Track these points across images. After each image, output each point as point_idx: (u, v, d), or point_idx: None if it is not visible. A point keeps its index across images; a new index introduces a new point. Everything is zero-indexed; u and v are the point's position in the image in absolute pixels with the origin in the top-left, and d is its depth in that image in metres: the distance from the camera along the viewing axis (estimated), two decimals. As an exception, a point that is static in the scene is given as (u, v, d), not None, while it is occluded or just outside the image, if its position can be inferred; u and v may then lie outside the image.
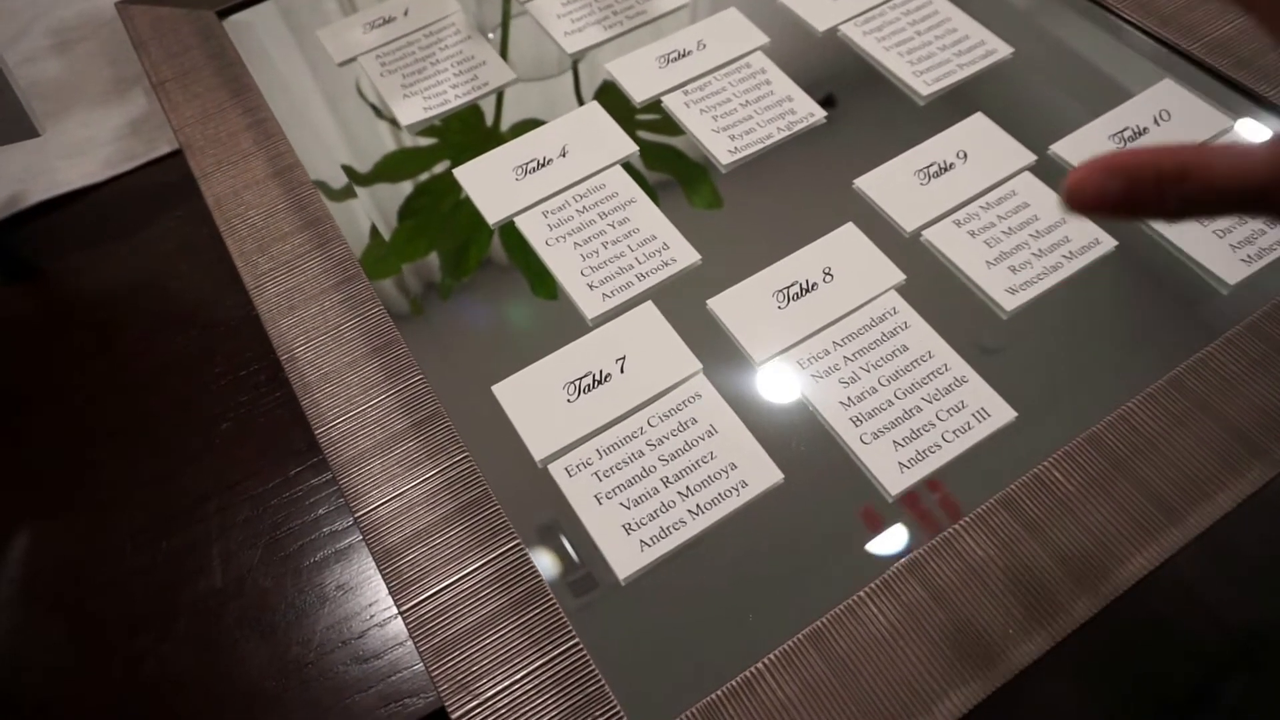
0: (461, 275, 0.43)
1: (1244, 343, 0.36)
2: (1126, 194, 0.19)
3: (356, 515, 0.35)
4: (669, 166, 0.45)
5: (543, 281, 0.41)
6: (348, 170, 0.47)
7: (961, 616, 0.31)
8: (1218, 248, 0.39)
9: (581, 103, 0.49)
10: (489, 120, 0.49)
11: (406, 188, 0.47)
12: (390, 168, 0.47)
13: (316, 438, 0.38)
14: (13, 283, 0.46)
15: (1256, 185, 0.18)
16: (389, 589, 0.34)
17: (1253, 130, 0.43)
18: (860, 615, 0.32)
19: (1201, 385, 0.36)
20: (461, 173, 0.45)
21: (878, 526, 0.34)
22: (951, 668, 0.30)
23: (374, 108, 0.50)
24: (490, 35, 0.52)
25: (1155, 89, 0.45)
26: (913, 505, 0.34)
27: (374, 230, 0.45)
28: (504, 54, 0.51)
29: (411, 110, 0.48)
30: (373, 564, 0.36)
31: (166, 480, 0.38)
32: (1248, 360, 0.36)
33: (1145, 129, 0.43)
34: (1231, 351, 0.36)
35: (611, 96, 0.48)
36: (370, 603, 0.37)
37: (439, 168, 0.47)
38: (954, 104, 0.46)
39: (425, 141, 0.48)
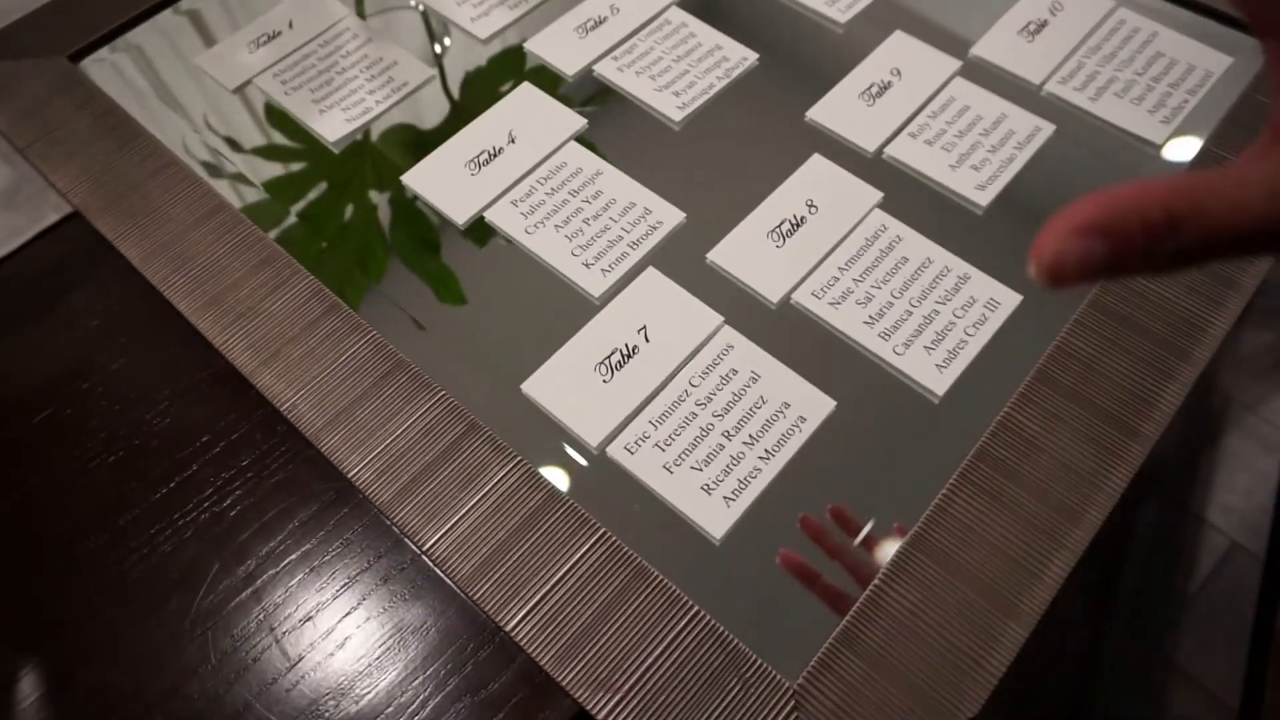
0: (375, 279, 0.41)
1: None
2: (1111, 258, 0.15)
3: (424, 549, 0.33)
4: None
5: (447, 286, 0.40)
6: (270, 192, 0.43)
7: (1038, 488, 0.34)
8: (1138, 114, 0.43)
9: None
10: (408, 125, 0.46)
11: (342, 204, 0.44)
12: (292, 189, 0.44)
13: (350, 481, 0.35)
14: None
15: (1254, 221, 0.15)
16: (487, 613, 0.32)
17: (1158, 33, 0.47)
18: (951, 508, 0.33)
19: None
20: (411, 178, 0.43)
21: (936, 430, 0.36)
22: (1043, 535, 0.32)
23: (292, 128, 0.46)
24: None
25: (1041, -18, 0.48)
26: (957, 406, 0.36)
27: (332, 254, 0.42)
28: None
29: (334, 125, 0.45)
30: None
31: (190, 573, 0.35)
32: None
33: (1046, 21, 0.47)
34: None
35: (540, 74, 0.47)
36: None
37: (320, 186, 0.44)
38: (868, 26, 0.48)
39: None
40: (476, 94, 0.47)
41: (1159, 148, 0.42)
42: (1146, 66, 0.45)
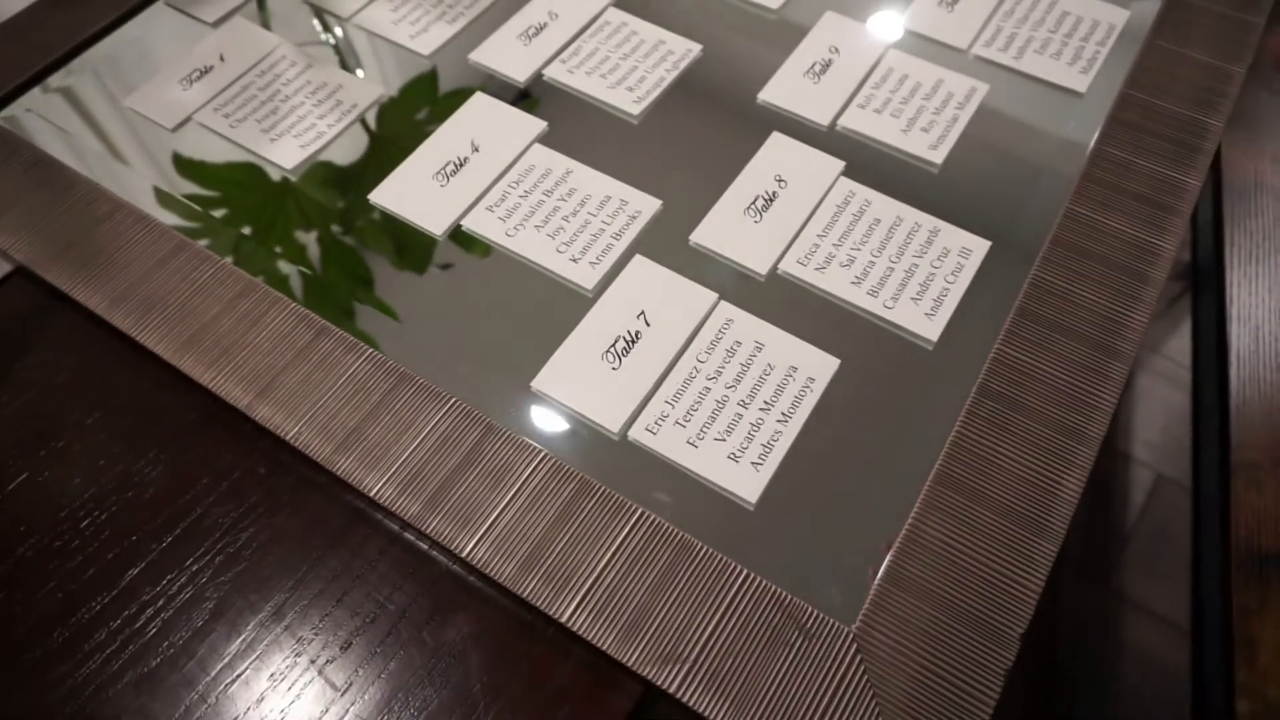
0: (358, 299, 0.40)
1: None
2: None
3: (463, 555, 0.33)
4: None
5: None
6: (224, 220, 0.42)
7: (1040, 414, 0.36)
8: (1058, 67, 0.47)
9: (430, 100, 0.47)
10: (363, 140, 0.46)
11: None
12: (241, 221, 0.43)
13: (373, 500, 0.34)
14: None
15: None
16: (539, 608, 0.32)
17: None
18: (965, 443, 0.35)
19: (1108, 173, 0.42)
20: (379, 195, 0.42)
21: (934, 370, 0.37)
22: (1052, 456, 0.34)
23: (239, 162, 0.45)
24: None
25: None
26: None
27: (307, 276, 0.41)
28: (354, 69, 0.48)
29: (288, 153, 0.44)
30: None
31: (218, 616, 0.33)
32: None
33: (961, -9, 0.50)
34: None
35: (490, 82, 0.47)
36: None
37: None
38: (800, 9, 0.50)
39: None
40: (396, 122, 0.46)
41: (1082, 95, 0.46)
42: (1057, 25, 0.48)
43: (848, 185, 0.42)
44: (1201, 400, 0.97)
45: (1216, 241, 0.84)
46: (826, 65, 0.47)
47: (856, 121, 0.45)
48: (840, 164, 0.43)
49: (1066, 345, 0.37)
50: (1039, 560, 0.32)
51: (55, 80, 0.48)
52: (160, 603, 0.33)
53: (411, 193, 0.42)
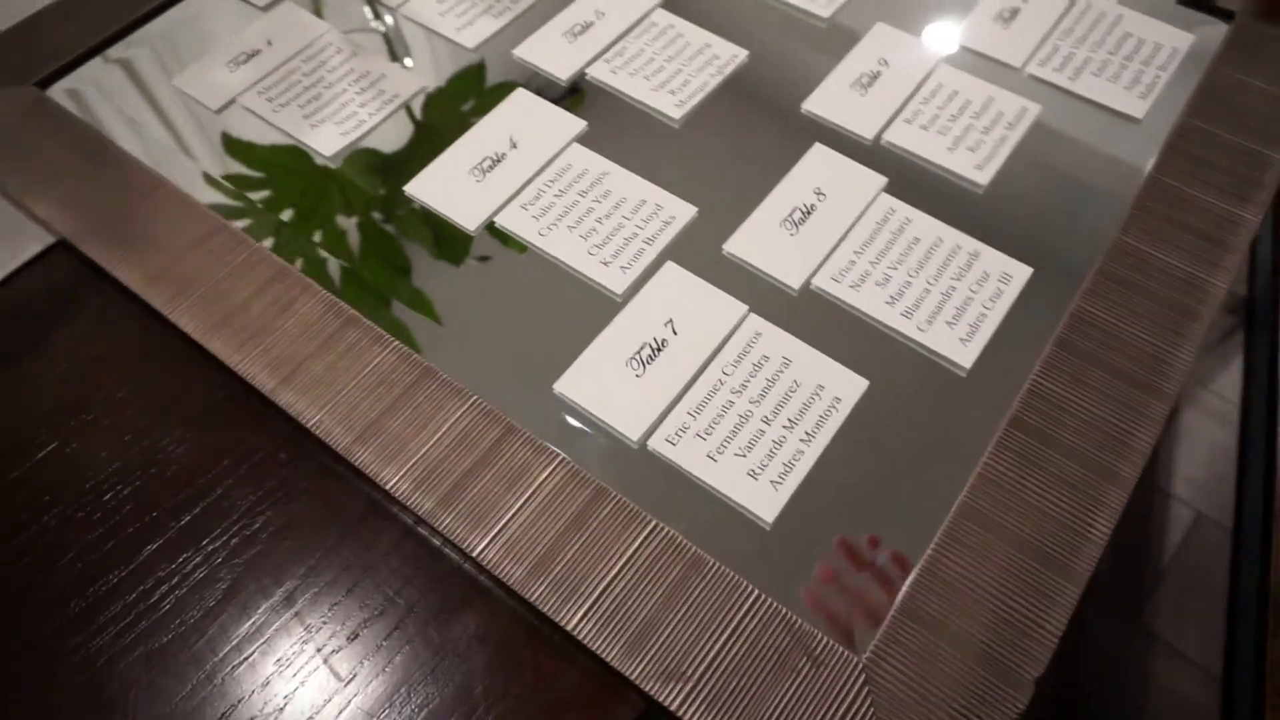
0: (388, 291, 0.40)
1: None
2: None
3: (474, 555, 0.33)
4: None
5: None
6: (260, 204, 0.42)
7: (1072, 450, 0.34)
8: (1116, 90, 0.45)
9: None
10: (407, 130, 0.46)
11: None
12: (280, 205, 0.43)
13: (388, 493, 0.34)
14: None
15: None
16: (546, 614, 0.31)
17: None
18: (992, 475, 0.34)
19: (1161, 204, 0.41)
20: (414, 187, 0.42)
21: (966, 402, 0.36)
22: (1083, 495, 0.33)
23: (285, 145, 0.45)
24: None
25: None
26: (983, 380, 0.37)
27: (340, 267, 0.41)
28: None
29: (328, 140, 0.44)
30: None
31: (231, 596, 0.33)
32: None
33: (1018, 9, 0.49)
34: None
35: (533, 78, 0.47)
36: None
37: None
38: (851, 18, 0.49)
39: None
40: (440, 113, 0.46)
41: (1139, 121, 0.44)
42: (1117, 46, 0.47)
43: (888, 202, 0.41)
44: (1248, 439, 0.93)
45: (1274, 277, 0.81)
46: (874, 77, 0.46)
47: (901, 136, 0.44)
48: (882, 179, 0.42)
49: (1106, 380, 0.36)
50: (1062, 603, 0.31)
51: (113, 53, 0.49)
52: (175, 580, 0.34)
53: (447, 186, 0.42)
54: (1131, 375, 0.36)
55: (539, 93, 0.46)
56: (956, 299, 0.38)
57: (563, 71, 0.47)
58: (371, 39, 0.50)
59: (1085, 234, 0.40)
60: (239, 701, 0.31)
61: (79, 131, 0.45)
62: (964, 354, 0.37)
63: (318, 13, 0.50)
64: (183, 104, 0.47)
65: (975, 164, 0.42)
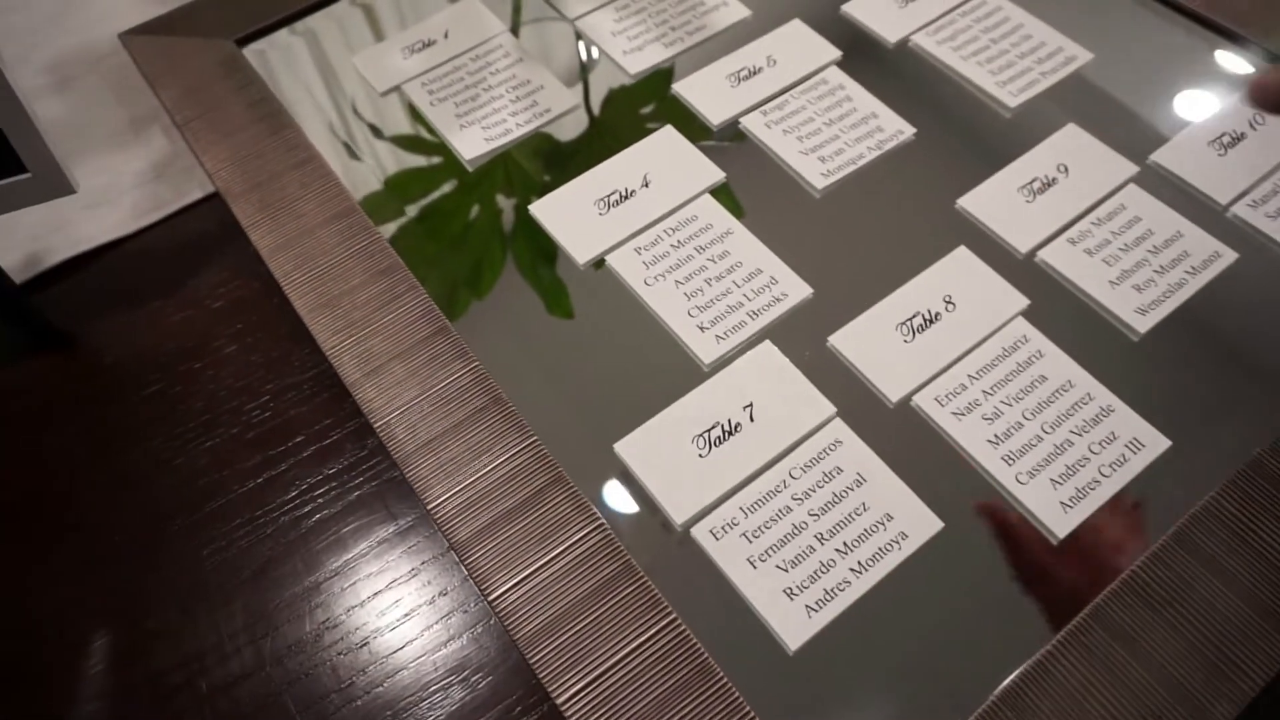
0: (479, 294, 0.40)
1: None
2: None
3: (491, 599, 0.33)
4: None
5: (557, 299, 0.39)
6: (381, 198, 0.44)
7: (1155, 663, 0.30)
8: (1335, 255, 0.39)
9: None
10: (548, 147, 0.46)
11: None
12: (401, 189, 0.44)
13: (428, 510, 0.35)
14: (41, 352, 0.42)
15: None
16: (540, 680, 0.31)
17: (1344, 130, 0.43)
18: (1056, 670, 0.30)
19: (1349, 401, 0.35)
20: (539, 208, 0.43)
21: (1047, 573, 0.32)
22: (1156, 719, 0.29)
23: (428, 142, 0.46)
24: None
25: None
26: (1076, 549, 0.33)
27: (445, 262, 0.42)
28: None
29: (472, 143, 0.45)
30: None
31: (262, 573, 0.35)
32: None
33: (1243, 134, 0.43)
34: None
35: (683, 119, 0.46)
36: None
37: (447, 186, 0.44)
38: (1040, 114, 0.45)
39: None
40: (617, 112, 0.46)
41: (1356, 296, 0.38)
42: (1353, 202, 0.40)
43: (1023, 328, 0.37)
44: None
45: None
46: (1049, 184, 0.42)
47: (1060, 258, 0.39)
48: (1024, 301, 0.38)
49: (1218, 592, 0.31)
50: (1096, 836, 0.28)
51: (306, 24, 0.52)
52: (223, 543, 0.36)
53: (569, 213, 0.42)
54: (1252, 592, 0.31)
55: (684, 132, 0.45)
56: (1070, 456, 0.34)
57: (716, 116, 0.45)
58: (541, 45, 0.50)
59: (1249, 417, 0.35)
60: (244, 678, 0.33)
61: (258, 92, 0.48)
62: (1061, 521, 0.33)
63: (508, 15, 0.51)
64: (355, 82, 0.49)
65: (1138, 306, 0.38)
